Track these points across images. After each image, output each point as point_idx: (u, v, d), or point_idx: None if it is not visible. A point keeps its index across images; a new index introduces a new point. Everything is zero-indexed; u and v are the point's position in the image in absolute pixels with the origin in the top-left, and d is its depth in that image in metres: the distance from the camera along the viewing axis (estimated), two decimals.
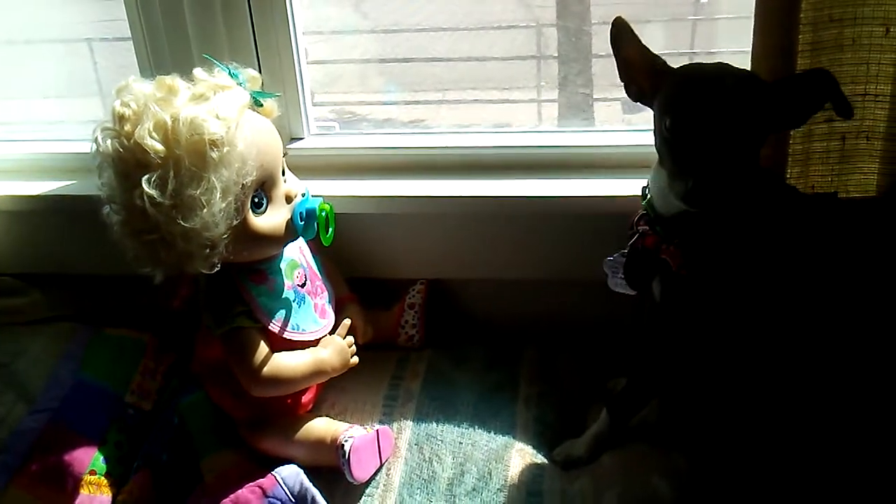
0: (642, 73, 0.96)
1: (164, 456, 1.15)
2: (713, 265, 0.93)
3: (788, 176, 1.05)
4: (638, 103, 0.98)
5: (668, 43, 1.78)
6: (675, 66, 0.95)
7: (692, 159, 0.88)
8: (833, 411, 0.91)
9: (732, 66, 0.91)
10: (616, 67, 0.98)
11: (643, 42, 0.95)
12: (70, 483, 1.10)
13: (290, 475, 1.05)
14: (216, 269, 0.99)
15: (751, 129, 0.88)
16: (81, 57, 1.91)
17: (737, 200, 0.90)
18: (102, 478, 1.13)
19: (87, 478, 1.12)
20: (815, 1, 0.98)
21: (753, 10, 1.00)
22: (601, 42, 1.79)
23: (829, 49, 1.00)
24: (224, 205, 0.95)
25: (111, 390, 1.22)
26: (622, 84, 0.99)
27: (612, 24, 0.96)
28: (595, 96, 1.90)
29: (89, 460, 1.13)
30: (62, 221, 1.35)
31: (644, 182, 1.02)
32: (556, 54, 2.06)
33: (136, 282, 1.01)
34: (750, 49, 1.02)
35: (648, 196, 0.99)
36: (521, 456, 1.08)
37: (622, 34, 0.95)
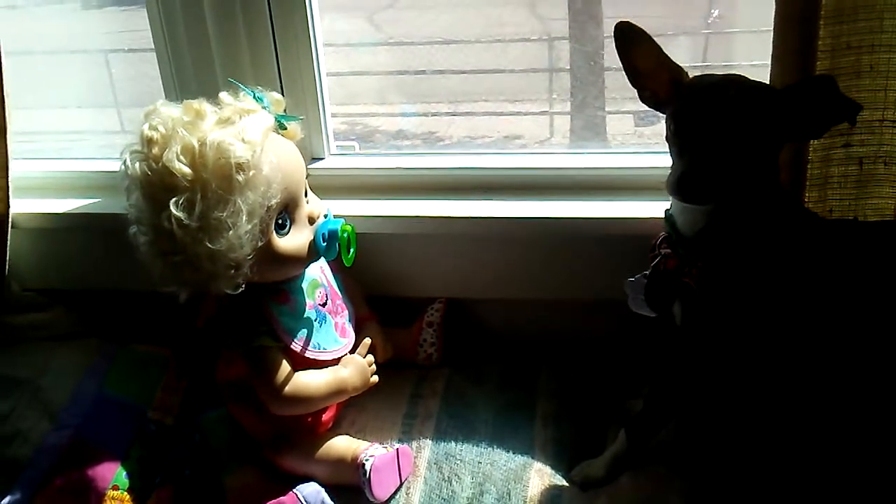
0: (655, 78, 0.96)
1: (186, 471, 1.17)
2: (735, 288, 0.94)
3: (806, 200, 1.06)
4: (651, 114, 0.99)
5: (681, 57, 1.80)
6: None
7: (687, 152, 0.90)
8: (856, 434, 0.91)
9: (747, 78, 0.92)
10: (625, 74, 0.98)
11: (657, 45, 0.95)
12: (93, 498, 1.11)
13: (311, 493, 1.07)
14: (240, 289, 1.01)
15: (750, 128, 0.88)
16: (98, 68, 1.93)
17: (757, 223, 0.91)
18: (125, 493, 1.14)
19: (111, 493, 1.13)
20: (833, 29, 0.99)
21: (772, 37, 1.01)
22: (614, 55, 1.80)
23: (847, 75, 1.01)
24: (249, 227, 0.97)
25: (134, 406, 1.23)
26: (636, 90, 0.99)
27: (616, 28, 0.95)
28: (607, 109, 1.91)
29: (112, 475, 1.14)
30: (86, 238, 1.37)
31: (661, 204, 1.03)
32: (567, 67, 2.07)
33: (159, 299, 1.03)
34: (769, 63, 1.03)
35: (671, 217, 1.00)
36: (539, 476, 1.08)
37: (629, 39, 0.95)
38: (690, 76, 0.96)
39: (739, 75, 0.92)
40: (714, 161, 0.89)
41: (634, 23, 0.94)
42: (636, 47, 0.95)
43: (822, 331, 0.92)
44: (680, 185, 0.89)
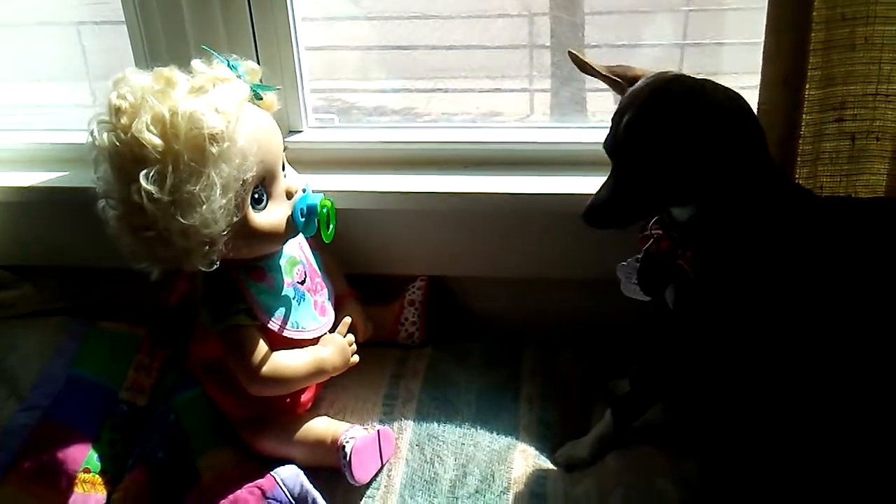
0: (613, 87, 0.97)
1: (159, 453, 1.13)
2: (731, 271, 0.92)
3: (797, 177, 1.04)
4: None
5: (663, 33, 1.77)
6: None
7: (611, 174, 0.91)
8: (847, 417, 0.89)
9: (679, 83, 0.88)
10: None
11: (593, 68, 0.98)
12: (64, 481, 1.09)
13: (290, 476, 1.04)
14: (215, 266, 0.97)
15: (654, 150, 0.86)
16: (69, 41, 1.88)
17: (750, 206, 0.89)
18: (97, 476, 1.11)
19: (82, 476, 1.10)
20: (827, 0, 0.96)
21: (766, 9, 0.99)
22: (594, 31, 1.78)
23: (841, 48, 0.99)
24: (224, 201, 0.93)
25: (105, 386, 1.20)
26: None
27: (568, 55, 0.99)
28: (588, 86, 1.89)
29: (83, 458, 1.11)
30: (55, 213, 1.33)
31: None
32: (548, 44, 2.04)
33: (132, 275, 0.99)
34: (762, 37, 1.01)
35: None
36: (523, 457, 1.07)
37: (579, 64, 0.99)
38: (630, 70, 0.96)
39: (675, 80, 0.89)
40: (622, 189, 0.89)
41: (575, 52, 0.99)
42: (587, 69, 0.98)
43: (816, 311, 0.90)
44: (584, 215, 0.91)
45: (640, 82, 0.91)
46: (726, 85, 0.88)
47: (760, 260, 0.90)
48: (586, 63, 0.98)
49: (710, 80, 0.89)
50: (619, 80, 0.95)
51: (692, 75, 0.90)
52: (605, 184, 0.91)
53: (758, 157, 0.89)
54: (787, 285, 0.90)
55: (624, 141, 0.88)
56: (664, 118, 0.85)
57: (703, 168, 0.85)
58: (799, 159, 1.04)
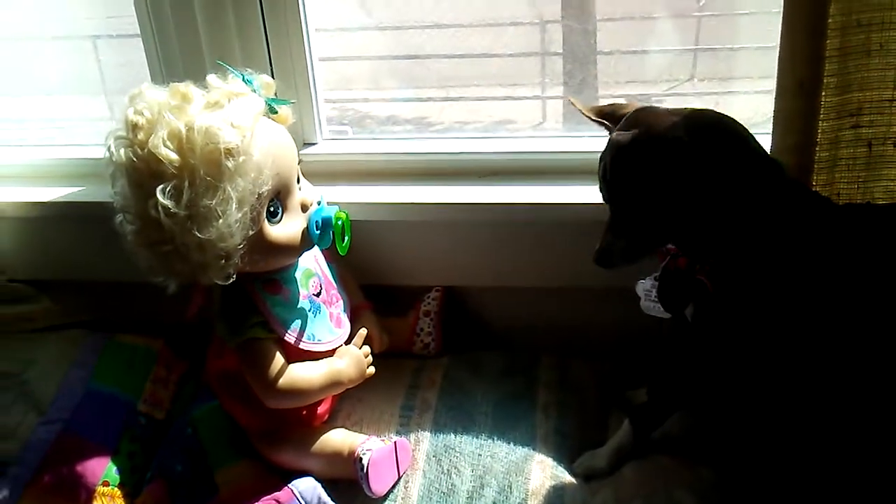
0: (606, 129, 0.97)
1: (178, 467, 1.14)
2: (748, 283, 0.91)
3: (814, 184, 1.03)
4: None
5: (675, 39, 1.76)
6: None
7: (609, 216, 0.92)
8: (867, 428, 0.88)
9: (648, 127, 0.88)
10: None
11: (587, 108, 0.99)
12: (83, 494, 1.09)
13: (308, 488, 1.04)
14: (231, 279, 0.98)
15: (638, 197, 0.88)
16: (85, 54, 1.89)
17: (765, 217, 0.88)
18: (116, 489, 1.12)
19: (101, 489, 1.11)
20: (843, 6, 0.95)
21: (781, 14, 0.98)
22: (606, 38, 1.77)
23: (857, 54, 0.98)
24: (240, 215, 0.94)
25: (123, 399, 1.20)
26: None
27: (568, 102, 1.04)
28: (601, 93, 1.88)
29: (102, 471, 1.12)
30: (72, 227, 1.34)
31: None
32: (560, 51, 2.04)
33: (149, 289, 0.99)
34: (777, 44, 1.00)
35: None
36: (541, 468, 1.06)
37: (577, 109, 1.00)
38: (618, 106, 0.96)
39: (660, 116, 0.89)
40: (626, 231, 0.91)
41: (571, 99, 1.03)
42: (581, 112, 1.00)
43: (837, 321, 0.89)
44: (596, 260, 0.93)
45: (619, 125, 0.92)
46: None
47: (778, 269, 0.89)
48: (580, 109, 1.00)
49: (687, 112, 0.89)
50: (607, 124, 0.96)
51: (668, 108, 0.92)
52: (607, 225, 0.93)
53: (750, 173, 0.88)
54: (807, 294, 0.89)
55: (609, 189, 0.91)
56: (638, 167, 0.87)
57: (692, 202, 0.86)
58: (816, 166, 1.03)
